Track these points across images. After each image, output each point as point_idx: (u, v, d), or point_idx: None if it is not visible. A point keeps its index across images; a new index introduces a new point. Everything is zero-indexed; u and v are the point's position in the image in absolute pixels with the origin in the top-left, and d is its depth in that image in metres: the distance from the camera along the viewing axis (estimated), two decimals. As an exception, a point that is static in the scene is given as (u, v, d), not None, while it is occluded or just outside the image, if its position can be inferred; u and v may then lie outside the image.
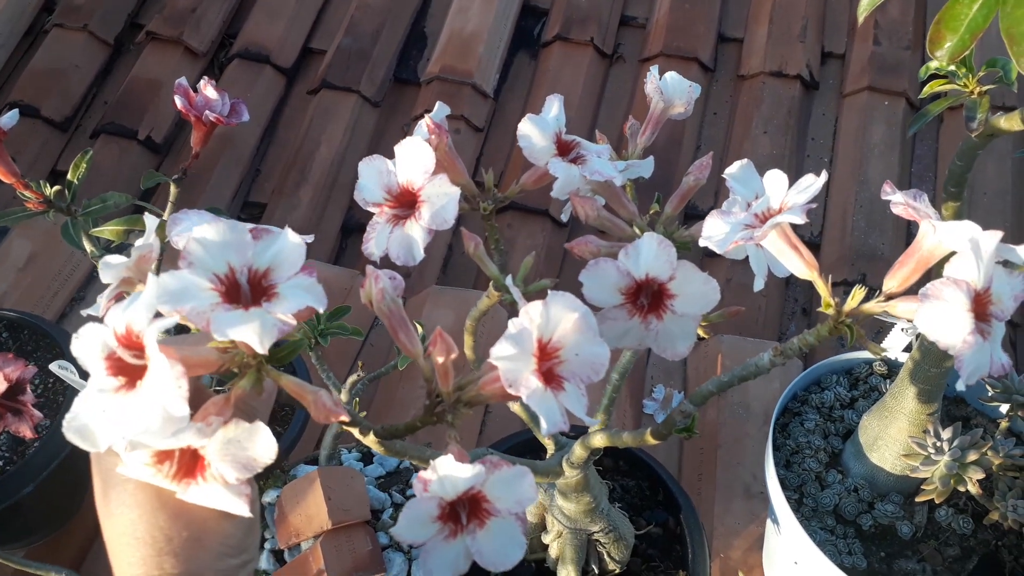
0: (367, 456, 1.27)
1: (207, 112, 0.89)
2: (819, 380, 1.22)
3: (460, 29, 2.22)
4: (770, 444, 1.10)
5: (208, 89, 0.90)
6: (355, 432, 0.55)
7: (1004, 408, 1.10)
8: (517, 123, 0.66)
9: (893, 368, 1.22)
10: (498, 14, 2.25)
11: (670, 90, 0.84)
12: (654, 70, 0.83)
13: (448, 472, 0.48)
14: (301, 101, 2.16)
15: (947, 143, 2.09)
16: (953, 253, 0.52)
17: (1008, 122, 0.71)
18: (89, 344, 0.47)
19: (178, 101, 0.89)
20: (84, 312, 0.49)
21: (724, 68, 2.26)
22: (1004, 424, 1.09)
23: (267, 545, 1.16)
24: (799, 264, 0.55)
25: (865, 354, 1.23)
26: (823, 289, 0.55)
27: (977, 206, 1.98)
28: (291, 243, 0.47)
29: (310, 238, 0.50)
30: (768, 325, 1.83)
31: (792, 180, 0.57)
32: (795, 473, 1.12)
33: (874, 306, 0.54)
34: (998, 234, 0.49)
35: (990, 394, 1.08)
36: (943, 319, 0.48)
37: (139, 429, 0.44)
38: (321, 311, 0.47)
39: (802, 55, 2.19)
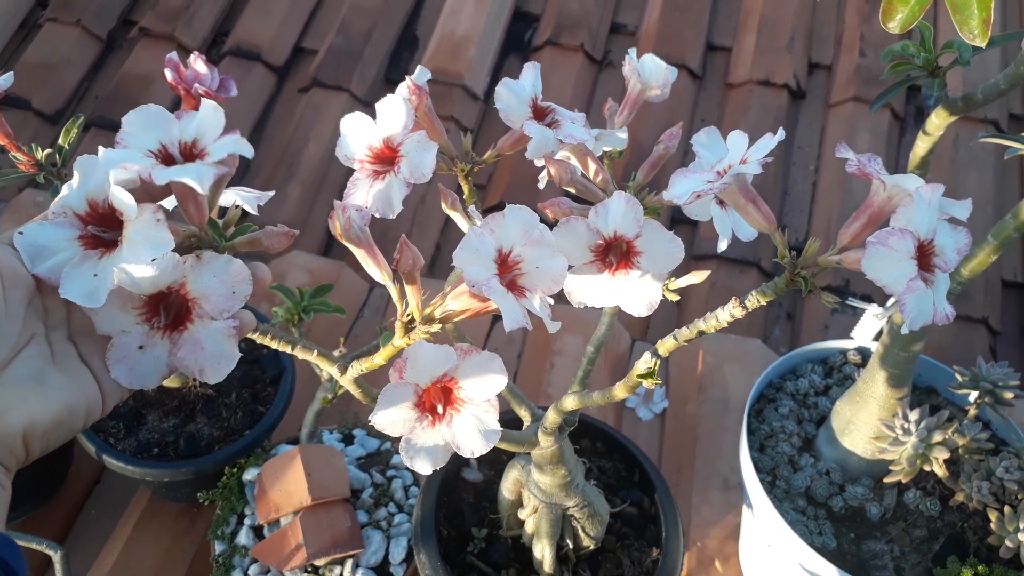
0: (348, 437, 1.28)
1: (196, 85, 0.91)
2: (795, 368, 1.25)
3: (451, 32, 2.26)
4: (744, 427, 1.12)
5: (198, 63, 0.92)
6: (334, 371, 0.57)
7: (972, 396, 1.12)
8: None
9: (867, 357, 1.24)
10: (489, 18, 2.28)
11: (647, 72, 0.87)
12: (632, 52, 0.86)
13: (421, 356, 0.50)
14: (291, 99, 2.19)
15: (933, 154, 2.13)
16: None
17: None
18: (55, 234, 0.51)
19: (168, 74, 0.91)
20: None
21: (712, 76, 2.29)
22: (972, 411, 1.12)
23: (247, 521, 1.17)
24: (758, 218, 0.58)
25: (840, 343, 1.26)
26: (779, 242, 0.57)
27: (958, 215, 2.01)
28: (210, 113, 0.53)
29: (270, 194, 0.59)
30: (752, 327, 1.85)
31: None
32: (768, 456, 1.14)
33: (828, 258, 0.56)
34: (940, 187, 0.52)
35: (959, 381, 1.10)
36: (887, 264, 0.50)
37: (135, 267, 0.48)
38: (249, 157, 0.52)
39: (789, 65, 2.23)
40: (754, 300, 0.58)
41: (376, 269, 0.57)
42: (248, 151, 0.52)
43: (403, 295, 0.56)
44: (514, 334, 1.67)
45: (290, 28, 2.28)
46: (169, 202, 0.56)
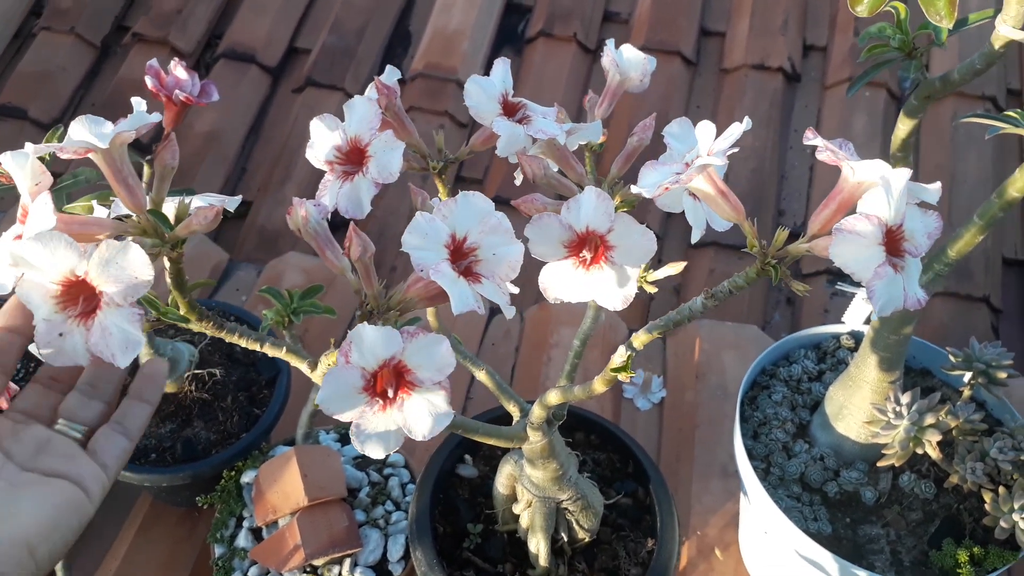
0: (345, 437, 1.29)
1: (177, 92, 0.91)
2: (788, 354, 1.24)
3: (444, 27, 2.25)
4: (737, 416, 1.12)
5: (178, 70, 0.92)
6: (304, 367, 0.58)
7: (966, 377, 1.12)
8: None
9: (860, 341, 1.24)
10: (481, 11, 2.28)
11: (625, 63, 0.87)
12: (610, 43, 0.86)
13: (365, 339, 0.50)
14: (286, 99, 2.19)
15: (927, 134, 2.12)
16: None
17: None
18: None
19: (149, 82, 0.92)
20: None
21: (707, 61, 2.28)
22: (966, 392, 1.11)
23: (246, 523, 1.18)
24: (727, 209, 0.58)
25: (833, 328, 1.26)
26: (749, 232, 0.57)
27: (959, 194, 2.00)
28: (135, 109, 0.63)
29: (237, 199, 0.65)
30: (752, 313, 1.85)
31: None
32: (762, 443, 1.14)
33: (798, 246, 0.56)
34: (907, 172, 0.51)
35: (952, 362, 1.10)
36: (854, 251, 0.50)
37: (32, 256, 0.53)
38: (155, 120, 0.59)
39: (784, 48, 2.22)
40: (725, 291, 0.58)
41: (333, 261, 0.58)
42: (154, 118, 0.60)
43: (360, 284, 0.57)
44: (511, 328, 1.67)
45: (283, 28, 2.28)
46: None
